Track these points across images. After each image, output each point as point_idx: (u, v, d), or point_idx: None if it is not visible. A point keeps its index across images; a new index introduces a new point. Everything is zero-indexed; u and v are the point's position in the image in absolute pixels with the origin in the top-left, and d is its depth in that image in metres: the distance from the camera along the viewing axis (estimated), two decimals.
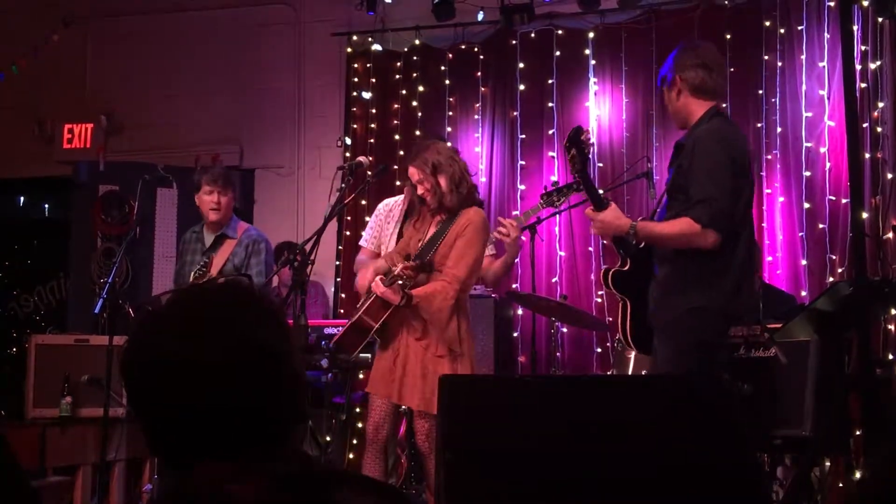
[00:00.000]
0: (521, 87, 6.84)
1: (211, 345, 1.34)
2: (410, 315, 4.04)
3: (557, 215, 5.95)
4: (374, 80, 7.17)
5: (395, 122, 7.11)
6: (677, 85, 3.63)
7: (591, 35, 6.72)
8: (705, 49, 3.69)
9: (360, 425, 5.20)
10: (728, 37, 6.40)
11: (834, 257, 5.93)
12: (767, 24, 6.34)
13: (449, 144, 4.31)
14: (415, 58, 7.07)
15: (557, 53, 6.79)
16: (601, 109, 6.68)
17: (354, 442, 5.61)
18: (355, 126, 7.23)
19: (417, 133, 6.93)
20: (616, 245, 3.80)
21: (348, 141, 7.17)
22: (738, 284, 3.48)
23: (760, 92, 6.34)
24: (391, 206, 4.64)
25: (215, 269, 4.93)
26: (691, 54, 3.62)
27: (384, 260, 4.28)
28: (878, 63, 5.77)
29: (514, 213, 6.61)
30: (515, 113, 6.85)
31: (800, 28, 6.25)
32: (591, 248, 6.52)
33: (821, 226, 6.00)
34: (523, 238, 5.46)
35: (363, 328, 4.09)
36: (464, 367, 4.02)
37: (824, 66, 6.12)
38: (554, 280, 6.57)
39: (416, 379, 3.98)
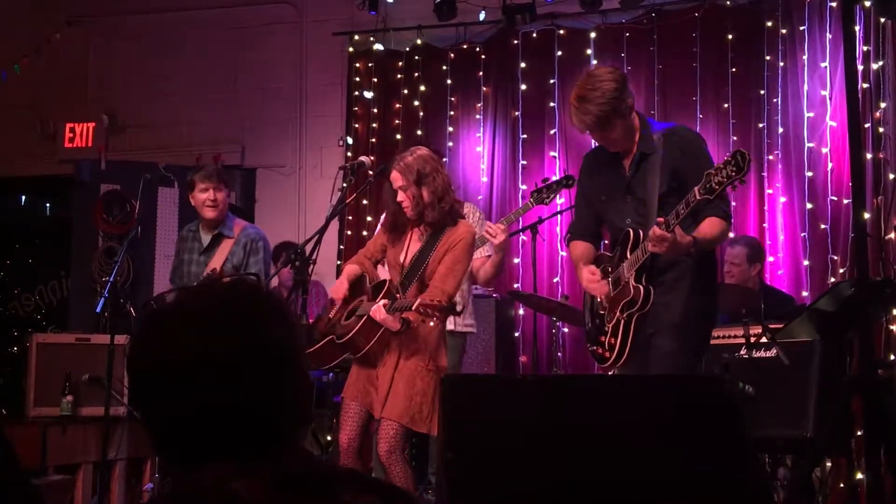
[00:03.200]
0: (523, 86, 6.84)
1: (218, 343, 1.34)
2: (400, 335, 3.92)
3: (559, 215, 5.95)
4: (375, 80, 7.17)
5: (397, 121, 7.11)
6: (632, 110, 3.60)
7: (592, 35, 6.71)
8: (616, 70, 3.66)
9: None
10: (730, 37, 6.41)
11: (836, 258, 5.93)
12: (769, 24, 6.33)
13: (429, 153, 4.04)
14: (416, 57, 7.07)
15: (559, 53, 6.78)
16: None
17: None
18: (357, 125, 7.23)
19: (419, 133, 6.94)
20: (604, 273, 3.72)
21: (350, 140, 7.17)
22: None
23: (762, 92, 6.33)
24: None
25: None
26: (622, 82, 3.55)
27: (360, 266, 4.15)
28: (880, 63, 5.76)
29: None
30: (517, 113, 6.85)
31: (802, 28, 6.24)
32: None
33: (822, 226, 6.00)
34: (524, 239, 5.48)
35: (351, 346, 3.96)
36: (439, 378, 3.86)
37: (826, 67, 6.11)
38: (555, 280, 6.57)
39: (402, 395, 3.85)
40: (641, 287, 3.49)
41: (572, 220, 4.03)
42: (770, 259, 6.15)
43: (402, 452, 3.92)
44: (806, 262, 6.04)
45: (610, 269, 3.68)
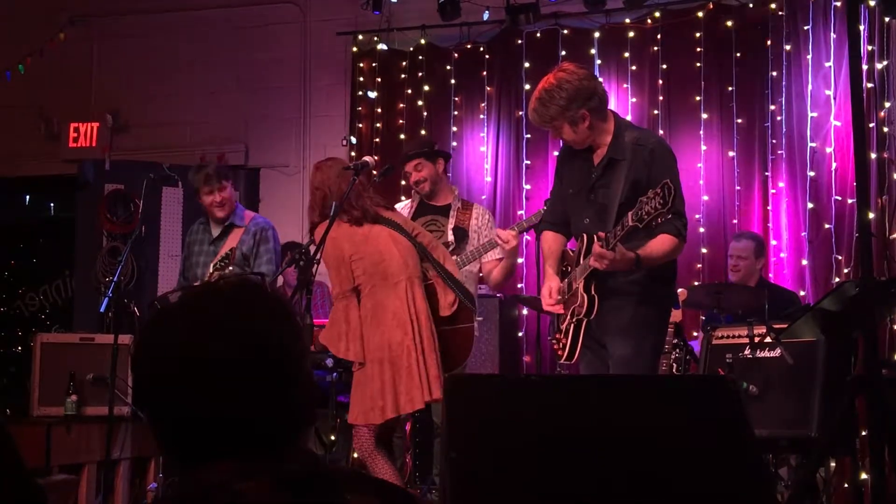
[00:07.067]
0: (527, 86, 6.82)
1: (222, 343, 1.34)
2: None
3: None
4: (379, 80, 7.17)
5: (401, 121, 7.11)
6: (587, 119, 3.56)
7: (596, 35, 6.71)
8: (582, 69, 3.64)
9: None
10: (733, 36, 6.40)
11: (840, 257, 5.91)
12: (773, 24, 6.33)
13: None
14: (420, 57, 7.07)
15: (563, 53, 6.77)
16: None
17: None
18: (361, 125, 7.23)
19: (423, 133, 6.93)
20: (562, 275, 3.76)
21: (353, 140, 7.17)
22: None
23: (766, 91, 6.33)
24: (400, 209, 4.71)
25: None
26: (586, 83, 3.55)
27: None
28: (885, 63, 5.75)
29: (520, 211, 6.60)
30: (521, 112, 6.84)
31: (806, 28, 6.23)
32: None
33: (826, 226, 5.98)
34: (528, 238, 5.48)
35: None
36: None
37: (830, 66, 6.10)
38: None
39: (353, 398, 4.12)
40: (587, 297, 3.55)
41: (547, 206, 4.05)
42: (773, 259, 6.15)
43: (376, 447, 4.06)
44: (809, 262, 6.03)
45: (569, 269, 3.73)
